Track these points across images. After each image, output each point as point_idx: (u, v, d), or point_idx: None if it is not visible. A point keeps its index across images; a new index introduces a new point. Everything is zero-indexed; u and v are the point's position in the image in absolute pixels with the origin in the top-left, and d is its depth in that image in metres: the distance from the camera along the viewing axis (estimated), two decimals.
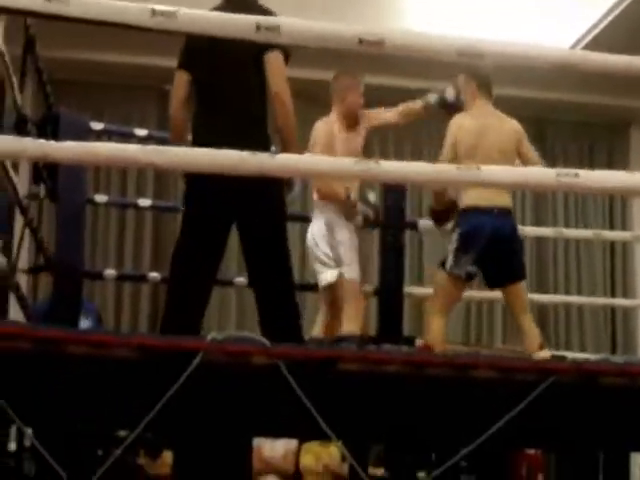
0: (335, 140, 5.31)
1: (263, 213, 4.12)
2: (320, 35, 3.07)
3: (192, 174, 4.13)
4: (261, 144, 4.02)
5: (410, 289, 6.28)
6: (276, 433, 3.30)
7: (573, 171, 2.96)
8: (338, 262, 5.14)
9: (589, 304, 8.84)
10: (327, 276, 5.19)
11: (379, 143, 9.52)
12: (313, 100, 9.19)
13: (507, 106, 9.16)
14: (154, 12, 2.86)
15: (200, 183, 4.09)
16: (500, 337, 9.27)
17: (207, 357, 2.48)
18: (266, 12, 4.08)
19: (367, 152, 5.84)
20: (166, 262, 8.78)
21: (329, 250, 5.17)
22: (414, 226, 6.21)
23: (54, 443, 2.74)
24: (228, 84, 4.17)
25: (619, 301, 9.22)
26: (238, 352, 2.53)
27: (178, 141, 4.28)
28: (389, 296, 5.73)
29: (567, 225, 9.31)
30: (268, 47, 4.09)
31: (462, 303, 9.04)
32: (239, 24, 3.00)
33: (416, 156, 9.36)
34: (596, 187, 3.14)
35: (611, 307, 9.35)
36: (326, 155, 4.86)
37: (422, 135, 9.54)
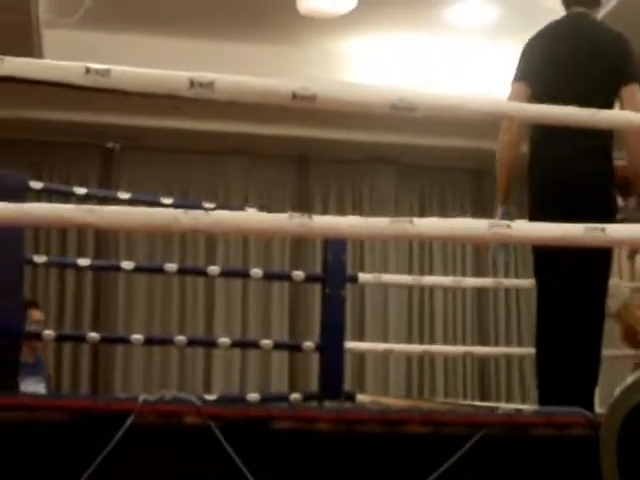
0: None
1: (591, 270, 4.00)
2: (254, 90, 3.09)
3: None
4: (606, 176, 4.04)
5: (351, 344, 6.27)
6: None
7: (504, 222, 2.99)
8: None
9: (530, 354, 8.87)
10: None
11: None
12: (249, 154, 9.29)
13: (446, 156, 9.36)
14: (88, 70, 2.86)
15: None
16: (442, 391, 9.29)
17: (139, 418, 2.46)
18: (619, 37, 4.12)
19: None
20: (107, 322, 8.92)
21: None
22: (355, 280, 6.21)
23: None
24: None
25: None
26: (170, 412, 2.51)
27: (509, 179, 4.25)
28: (330, 351, 5.71)
29: (507, 275, 9.37)
30: (630, 77, 4.04)
31: (403, 357, 9.07)
32: (172, 81, 3.01)
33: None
34: (527, 238, 3.16)
35: None
36: None
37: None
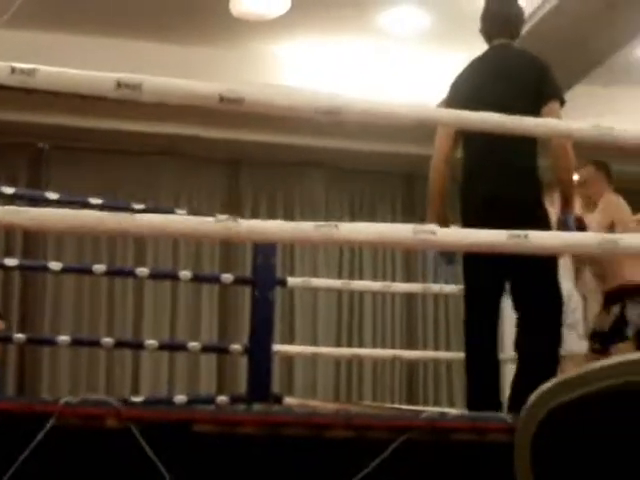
0: None
1: (535, 273, 4.05)
2: (182, 93, 3.08)
3: None
4: (533, 195, 4.10)
5: (280, 347, 6.28)
6: None
7: (429, 227, 3.01)
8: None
9: (458, 359, 8.95)
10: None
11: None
12: (180, 156, 9.26)
13: (377, 161, 9.40)
14: (13, 70, 2.83)
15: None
16: (370, 394, 9.33)
17: (61, 421, 2.43)
18: (536, 60, 4.22)
19: None
20: (33, 323, 8.84)
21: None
22: (284, 283, 6.21)
23: None
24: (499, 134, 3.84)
25: None
26: (91, 415, 2.49)
27: (439, 195, 4.28)
28: (259, 354, 5.70)
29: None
30: (549, 97, 4.11)
31: (332, 360, 9.09)
32: (99, 81, 2.98)
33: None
34: (451, 244, 3.19)
35: None
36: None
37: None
